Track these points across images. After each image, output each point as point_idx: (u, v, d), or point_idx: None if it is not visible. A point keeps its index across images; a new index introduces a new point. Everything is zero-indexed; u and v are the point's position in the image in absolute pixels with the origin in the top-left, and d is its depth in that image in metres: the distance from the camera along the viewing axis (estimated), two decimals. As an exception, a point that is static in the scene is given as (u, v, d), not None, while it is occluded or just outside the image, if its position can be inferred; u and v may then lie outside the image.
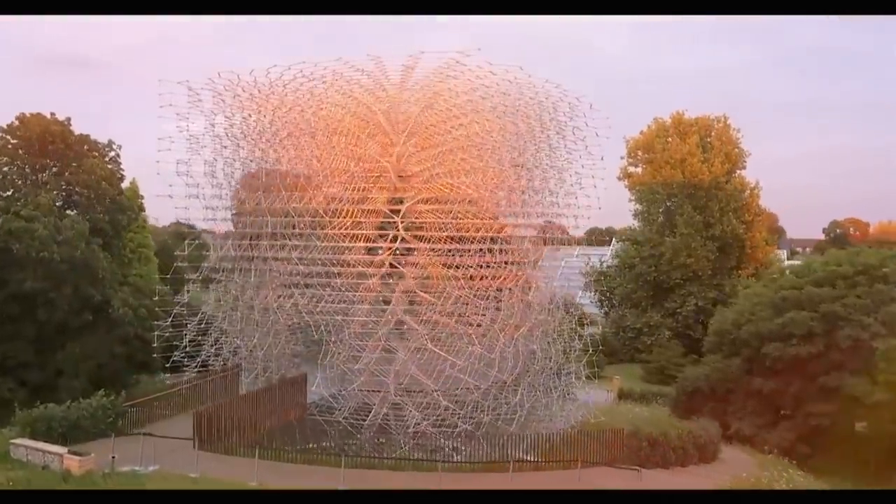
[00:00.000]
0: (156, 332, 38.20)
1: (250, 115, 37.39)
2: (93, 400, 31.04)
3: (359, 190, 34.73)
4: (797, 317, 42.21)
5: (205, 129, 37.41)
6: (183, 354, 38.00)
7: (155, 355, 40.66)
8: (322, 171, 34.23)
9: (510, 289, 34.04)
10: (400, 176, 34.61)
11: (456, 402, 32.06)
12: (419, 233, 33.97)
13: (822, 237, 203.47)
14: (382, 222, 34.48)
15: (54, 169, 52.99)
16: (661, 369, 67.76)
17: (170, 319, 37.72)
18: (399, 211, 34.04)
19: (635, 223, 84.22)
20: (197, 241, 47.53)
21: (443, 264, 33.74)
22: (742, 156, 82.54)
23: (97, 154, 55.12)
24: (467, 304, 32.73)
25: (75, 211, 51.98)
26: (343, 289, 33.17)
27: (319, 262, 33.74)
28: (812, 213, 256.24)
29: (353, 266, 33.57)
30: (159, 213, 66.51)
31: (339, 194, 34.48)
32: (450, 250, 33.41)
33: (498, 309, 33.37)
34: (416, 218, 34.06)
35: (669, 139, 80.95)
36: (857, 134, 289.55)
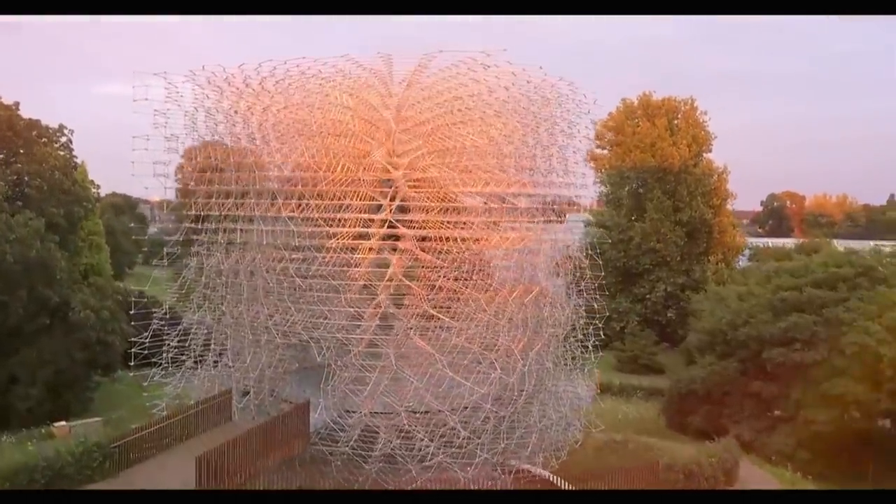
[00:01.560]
0: (133, 350, 34.68)
1: (236, 113, 34.10)
2: (75, 444, 27.74)
3: (362, 197, 31.87)
4: (800, 321, 41.21)
5: (185, 127, 34.07)
6: (162, 372, 34.97)
7: (131, 361, 37.08)
8: (323, 178, 31.19)
9: (525, 305, 31.82)
10: (411, 184, 31.85)
11: (469, 428, 29.85)
12: (430, 244, 31.42)
13: (760, 209, 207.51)
14: (388, 233, 31.72)
15: (0, 157, 48.38)
16: (635, 358, 67.03)
17: (149, 332, 34.33)
18: (407, 221, 31.46)
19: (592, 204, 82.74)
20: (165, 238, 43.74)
21: (455, 278, 31.22)
22: (708, 139, 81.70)
23: (47, 140, 50.57)
24: (482, 319, 30.37)
25: (25, 204, 47.52)
26: (348, 305, 30.52)
27: (319, 276, 30.94)
28: (748, 186, 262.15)
29: (359, 280, 30.95)
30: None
31: (340, 202, 31.57)
32: (465, 264, 31.00)
33: (516, 326, 31.12)
34: (427, 228, 31.47)
35: (638, 122, 79.55)
36: (793, 108, 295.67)
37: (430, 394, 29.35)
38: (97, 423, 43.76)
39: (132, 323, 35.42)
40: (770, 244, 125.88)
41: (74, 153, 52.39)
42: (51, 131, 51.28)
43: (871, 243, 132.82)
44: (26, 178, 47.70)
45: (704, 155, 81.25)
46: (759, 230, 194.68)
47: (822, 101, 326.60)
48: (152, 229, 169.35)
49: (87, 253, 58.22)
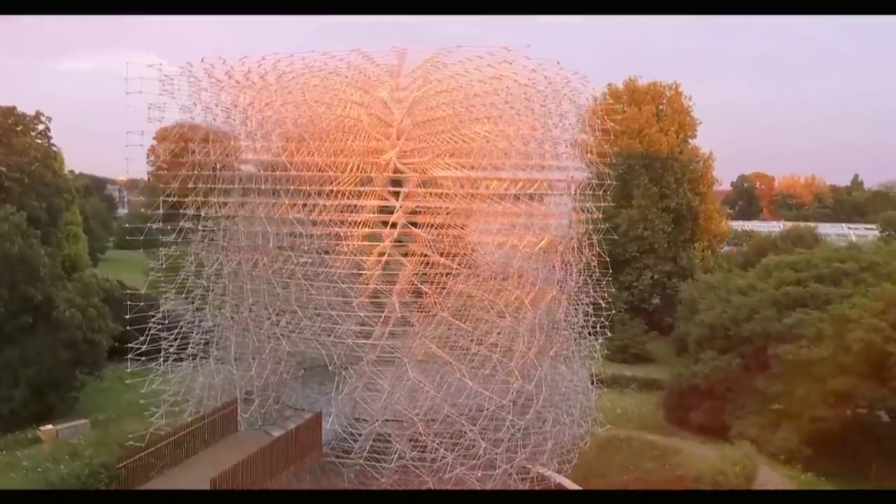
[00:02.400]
0: (130, 356, 33.06)
1: (236, 107, 32.49)
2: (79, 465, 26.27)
3: (373, 197, 30.50)
4: (808, 318, 40.76)
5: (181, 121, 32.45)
6: (160, 379, 33.51)
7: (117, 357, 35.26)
8: (333, 178, 29.75)
9: (542, 308, 30.83)
10: (424, 185, 30.52)
11: (487, 438, 28.88)
12: (443, 245, 30.12)
13: (729, 190, 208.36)
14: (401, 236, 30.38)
15: (-22, 149, 45.99)
16: (624, 347, 66.47)
17: (146, 336, 32.75)
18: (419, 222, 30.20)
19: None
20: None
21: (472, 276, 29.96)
22: (693, 124, 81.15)
23: (23, 127, 48.15)
24: (503, 326, 29.29)
25: (5, 198, 45.24)
26: (360, 310, 29.24)
27: (328, 279, 29.65)
28: (716, 167, 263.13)
29: (369, 283, 29.73)
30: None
31: (349, 202, 30.21)
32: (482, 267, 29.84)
33: (533, 331, 30.09)
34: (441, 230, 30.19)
35: (626, 108, 78.67)
36: (757, 89, 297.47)
37: (447, 403, 28.30)
38: (85, 426, 42.23)
39: (128, 327, 33.60)
40: (747, 227, 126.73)
41: (52, 141, 50.15)
42: (27, 118, 48.92)
43: (844, 227, 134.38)
44: (4, 171, 45.38)
45: (689, 141, 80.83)
46: (729, 211, 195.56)
47: (785, 82, 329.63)
48: (122, 211, 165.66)
49: (65, 244, 56.08)
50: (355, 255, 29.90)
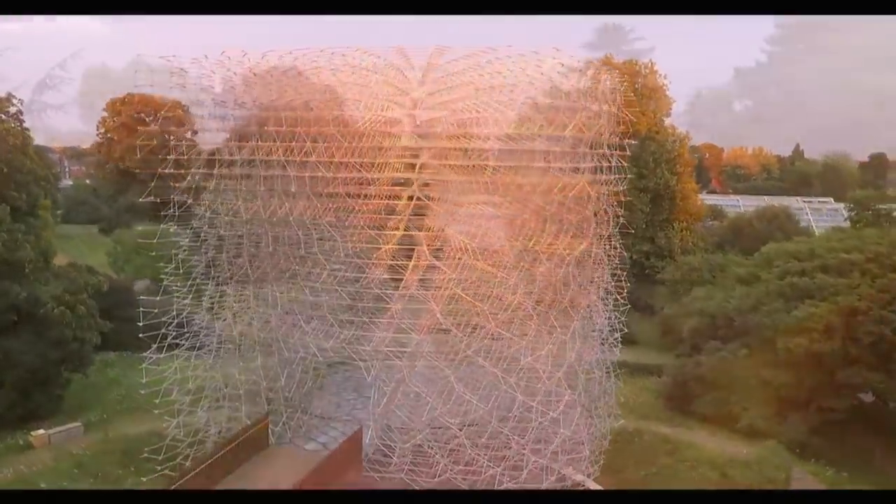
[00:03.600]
0: (144, 365, 31.24)
1: (254, 102, 30.62)
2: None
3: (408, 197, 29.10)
4: (817, 311, 40.78)
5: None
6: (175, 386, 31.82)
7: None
8: (372, 179, 28.29)
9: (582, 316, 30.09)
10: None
11: (531, 449, 28.17)
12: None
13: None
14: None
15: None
16: (610, 330, 66.34)
17: (159, 342, 30.96)
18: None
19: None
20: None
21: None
22: (668, 103, 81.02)
23: (-7, 111, 44.75)
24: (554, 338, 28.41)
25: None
26: (397, 317, 28.03)
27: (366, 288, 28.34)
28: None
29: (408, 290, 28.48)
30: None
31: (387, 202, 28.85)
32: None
33: (575, 340, 29.31)
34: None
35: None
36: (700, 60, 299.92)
37: (493, 417, 27.43)
38: (77, 429, 40.11)
39: (141, 333, 31.72)
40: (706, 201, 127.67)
41: (25, 124, 46.62)
42: (-2, 101, 45.47)
43: (799, 199, 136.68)
44: (-19, 160, 42.00)
45: (666, 120, 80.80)
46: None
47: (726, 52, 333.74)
48: (65, 182, 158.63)
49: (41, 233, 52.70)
50: (391, 260, 28.62)
